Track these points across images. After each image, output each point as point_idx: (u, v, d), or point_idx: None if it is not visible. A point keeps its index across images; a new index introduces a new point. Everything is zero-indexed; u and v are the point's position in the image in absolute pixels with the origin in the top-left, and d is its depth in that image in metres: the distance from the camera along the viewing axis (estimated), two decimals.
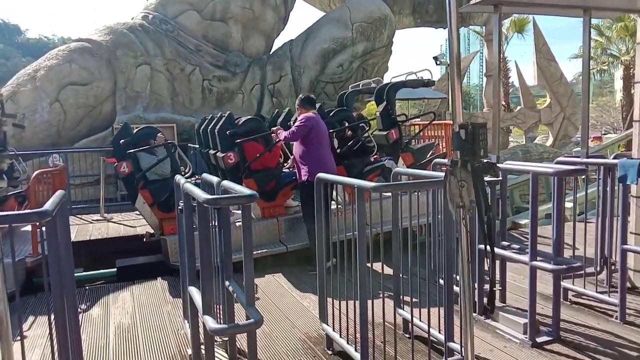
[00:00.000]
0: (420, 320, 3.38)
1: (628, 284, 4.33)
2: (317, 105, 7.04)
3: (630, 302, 4.06)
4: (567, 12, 4.52)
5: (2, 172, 5.96)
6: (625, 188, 3.97)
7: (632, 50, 21.11)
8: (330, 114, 6.81)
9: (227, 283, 3.09)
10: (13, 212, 5.07)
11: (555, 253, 3.59)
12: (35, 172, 5.98)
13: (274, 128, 6.16)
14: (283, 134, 5.77)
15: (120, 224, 8.10)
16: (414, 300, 3.31)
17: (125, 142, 5.78)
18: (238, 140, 6.17)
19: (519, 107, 18.57)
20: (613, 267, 4.20)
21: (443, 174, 2.59)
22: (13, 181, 6.50)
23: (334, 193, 4.93)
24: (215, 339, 3.40)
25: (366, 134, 7.02)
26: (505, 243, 4.06)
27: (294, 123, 6.32)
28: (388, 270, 3.60)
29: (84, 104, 11.29)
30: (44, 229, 2.85)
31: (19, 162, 6.90)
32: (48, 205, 2.60)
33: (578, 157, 4.64)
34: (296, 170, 5.87)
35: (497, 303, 4.08)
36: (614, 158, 4.34)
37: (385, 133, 7.06)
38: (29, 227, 6.01)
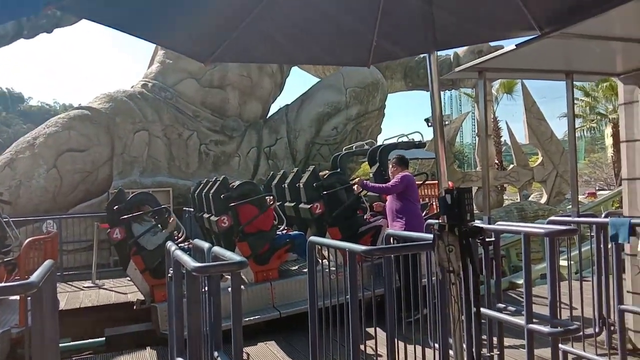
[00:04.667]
0: None
1: (629, 345, 4.21)
2: (311, 168, 7.14)
3: None
4: (549, 77, 4.69)
5: None
6: (618, 246, 3.95)
7: (618, 108, 21.72)
8: (324, 177, 6.88)
9: (215, 354, 3.00)
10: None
11: (552, 315, 3.52)
12: (27, 241, 5.92)
13: (356, 180, 6.40)
14: (375, 185, 6.15)
15: (112, 290, 7.95)
16: None
17: (119, 208, 5.79)
18: (232, 204, 6.19)
19: (511, 165, 18.82)
20: (612, 328, 4.10)
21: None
22: (4, 249, 6.46)
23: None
24: None
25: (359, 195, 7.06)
26: (501, 305, 3.98)
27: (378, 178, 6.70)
28: (383, 334, 3.51)
29: (80, 169, 11.40)
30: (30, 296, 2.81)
31: (11, 228, 6.86)
32: (34, 276, 2.58)
33: (569, 216, 4.66)
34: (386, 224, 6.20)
35: None
36: (606, 216, 4.35)
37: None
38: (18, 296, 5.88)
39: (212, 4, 2.57)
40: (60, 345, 6.08)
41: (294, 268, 6.97)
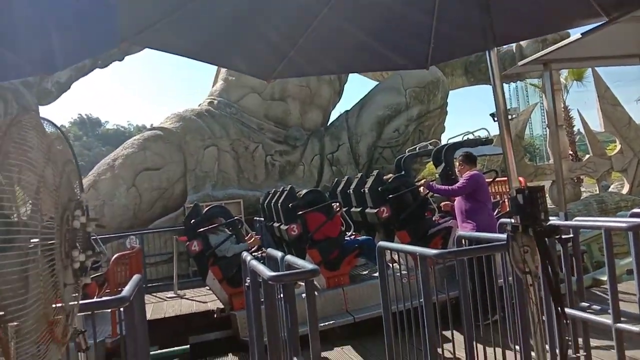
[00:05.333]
0: None
1: None
2: (375, 172, 7.16)
3: None
4: (622, 62, 4.44)
5: (87, 268, 6.41)
6: None
7: None
8: (389, 180, 6.87)
9: (294, 359, 3.10)
10: (95, 299, 5.38)
11: None
12: (114, 256, 6.39)
13: (422, 181, 6.34)
14: (441, 187, 5.96)
15: (193, 300, 8.33)
16: None
17: (195, 222, 6.10)
18: (300, 212, 6.34)
19: (587, 156, 17.75)
20: None
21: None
22: (94, 265, 6.98)
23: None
24: None
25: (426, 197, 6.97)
26: (584, 304, 3.82)
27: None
28: (460, 337, 3.47)
29: (157, 186, 12.04)
30: (122, 309, 3.05)
31: (99, 245, 7.41)
32: (126, 291, 2.80)
33: None
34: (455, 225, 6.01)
35: None
36: None
37: None
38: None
39: (269, 26, 2.69)
40: (149, 354, 6.51)
41: (364, 273, 7.00)
